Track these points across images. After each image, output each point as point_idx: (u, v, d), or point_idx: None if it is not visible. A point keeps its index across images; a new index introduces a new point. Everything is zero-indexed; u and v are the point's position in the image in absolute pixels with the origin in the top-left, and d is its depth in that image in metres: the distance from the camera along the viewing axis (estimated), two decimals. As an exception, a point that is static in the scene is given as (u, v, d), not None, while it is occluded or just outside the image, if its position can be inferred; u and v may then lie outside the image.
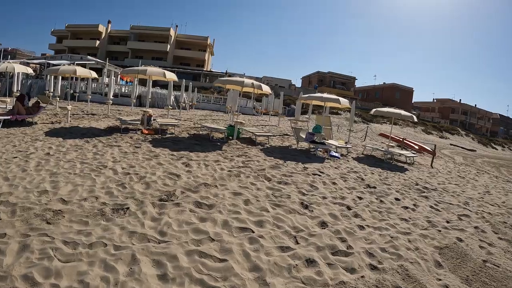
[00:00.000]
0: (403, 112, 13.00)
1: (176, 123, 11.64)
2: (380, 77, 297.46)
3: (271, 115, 26.71)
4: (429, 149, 19.79)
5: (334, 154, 11.46)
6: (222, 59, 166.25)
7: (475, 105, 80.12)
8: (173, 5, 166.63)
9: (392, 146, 13.99)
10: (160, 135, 10.87)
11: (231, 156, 8.74)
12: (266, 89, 11.11)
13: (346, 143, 14.79)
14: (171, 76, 10.95)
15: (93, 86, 29.15)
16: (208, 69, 63.54)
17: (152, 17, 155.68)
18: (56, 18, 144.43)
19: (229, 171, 7.19)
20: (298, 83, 78.32)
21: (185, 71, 53.95)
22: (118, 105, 23.86)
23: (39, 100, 13.06)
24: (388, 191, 7.55)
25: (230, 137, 11.82)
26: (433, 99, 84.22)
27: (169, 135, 11.13)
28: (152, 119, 12.35)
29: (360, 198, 6.64)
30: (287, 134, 15.97)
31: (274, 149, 10.85)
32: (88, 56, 36.09)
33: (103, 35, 62.15)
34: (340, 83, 72.30)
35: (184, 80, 22.33)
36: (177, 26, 62.90)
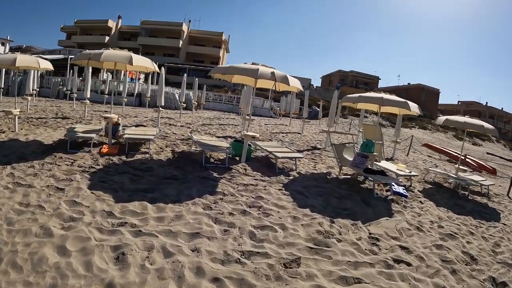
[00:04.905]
0: (485, 124, 8.67)
1: (150, 137, 7.48)
2: (403, 77, 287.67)
3: (292, 117, 22.45)
4: (489, 167, 15.28)
5: (399, 190, 7.16)
6: (238, 57, 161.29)
7: (502, 108, 74.15)
8: (186, 0, 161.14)
9: (464, 170, 9.65)
10: (125, 156, 6.81)
11: (230, 213, 4.55)
12: (294, 83, 6.86)
13: (400, 161, 10.50)
14: (141, 63, 6.78)
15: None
16: (223, 67, 59.37)
17: (164, 12, 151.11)
18: (67, 14, 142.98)
19: (216, 279, 2.99)
20: (316, 83, 73.37)
21: (197, 68, 50.07)
22: (116, 105, 19.86)
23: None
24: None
25: (237, 158, 7.71)
26: (458, 101, 78.20)
27: (140, 155, 7.07)
28: (120, 128, 8.32)
29: None
30: (316, 148, 11.72)
31: (306, 183, 6.65)
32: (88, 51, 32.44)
33: (113, 31, 58.78)
34: (363, 83, 67.42)
35: (185, 75, 18.22)
36: (190, 21, 58.91)
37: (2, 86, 17.49)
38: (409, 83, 69.74)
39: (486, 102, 74.67)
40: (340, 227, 4.69)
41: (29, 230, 3.58)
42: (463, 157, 15.20)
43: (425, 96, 66.03)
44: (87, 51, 7.21)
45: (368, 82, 68.20)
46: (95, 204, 4.29)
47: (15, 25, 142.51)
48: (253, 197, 5.26)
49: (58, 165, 5.84)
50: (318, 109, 27.39)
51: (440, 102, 73.20)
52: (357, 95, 7.90)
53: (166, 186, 5.26)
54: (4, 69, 17.07)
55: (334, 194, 6.16)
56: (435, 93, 68.85)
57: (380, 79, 70.05)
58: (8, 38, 56.84)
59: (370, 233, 4.65)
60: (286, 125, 20.21)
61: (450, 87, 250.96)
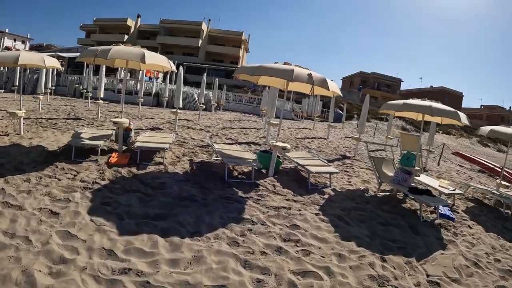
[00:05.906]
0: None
1: (165, 146, 6.60)
2: (425, 80, 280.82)
3: (315, 121, 21.43)
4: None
5: (445, 212, 6.14)
6: (258, 58, 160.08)
7: (525, 113, 71.35)
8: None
9: (507, 186, 8.47)
10: (136, 168, 5.98)
11: (263, 252, 3.62)
12: (333, 87, 5.89)
13: (434, 173, 9.37)
14: (155, 61, 5.93)
15: (105, 81, 25.06)
16: (242, 67, 58.41)
17: (184, 11, 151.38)
18: (87, 12, 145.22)
19: None
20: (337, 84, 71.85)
21: (217, 68, 49.41)
22: (133, 105, 19.31)
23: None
24: None
25: (264, 171, 6.80)
26: (481, 105, 75.52)
27: (153, 166, 6.22)
28: (132, 133, 7.51)
29: None
30: (346, 157, 10.72)
31: (344, 204, 5.67)
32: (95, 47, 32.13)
33: (132, 30, 58.75)
34: (384, 85, 65.75)
35: (204, 75, 17.36)
36: (209, 20, 58.35)
37: (17, 84, 17.08)
38: (431, 86, 67.73)
39: (510, 107, 72.05)
40: (394, 268, 3.74)
41: (8, 276, 2.73)
42: (502, 170, 13.96)
43: (448, 100, 63.62)
44: (94, 47, 6.40)
45: (390, 84, 66.50)
46: (93, 237, 3.41)
47: (36, 24, 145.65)
48: (287, 226, 4.32)
49: (58, 179, 5.03)
50: (341, 112, 26.21)
51: (462, 106, 70.93)
52: (401, 102, 6.86)
53: (182, 210, 4.34)
54: (18, 67, 16.58)
55: (378, 219, 5.18)
56: (458, 96, 66.71)
57: (402, 81, 68.34)
58: (29, 36, 57.44)
59: (428, 275, 3.73)
60: (309, 129, 19.20)
61: (472, 91, 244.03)
